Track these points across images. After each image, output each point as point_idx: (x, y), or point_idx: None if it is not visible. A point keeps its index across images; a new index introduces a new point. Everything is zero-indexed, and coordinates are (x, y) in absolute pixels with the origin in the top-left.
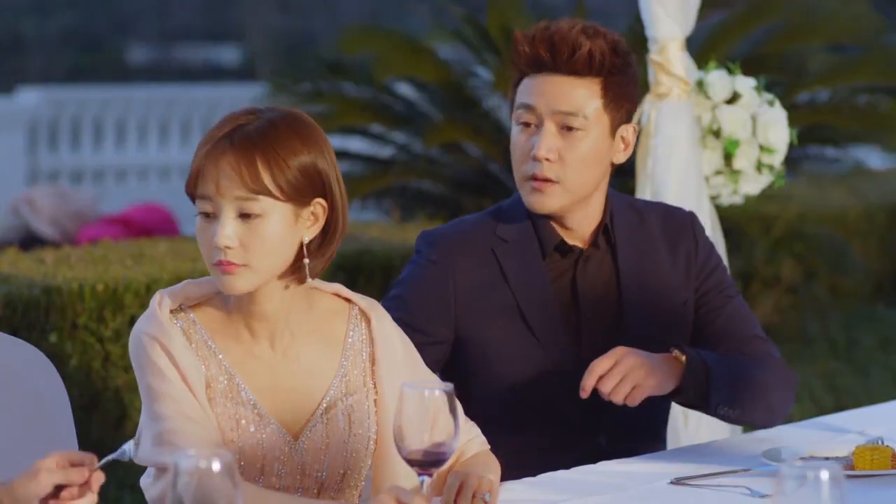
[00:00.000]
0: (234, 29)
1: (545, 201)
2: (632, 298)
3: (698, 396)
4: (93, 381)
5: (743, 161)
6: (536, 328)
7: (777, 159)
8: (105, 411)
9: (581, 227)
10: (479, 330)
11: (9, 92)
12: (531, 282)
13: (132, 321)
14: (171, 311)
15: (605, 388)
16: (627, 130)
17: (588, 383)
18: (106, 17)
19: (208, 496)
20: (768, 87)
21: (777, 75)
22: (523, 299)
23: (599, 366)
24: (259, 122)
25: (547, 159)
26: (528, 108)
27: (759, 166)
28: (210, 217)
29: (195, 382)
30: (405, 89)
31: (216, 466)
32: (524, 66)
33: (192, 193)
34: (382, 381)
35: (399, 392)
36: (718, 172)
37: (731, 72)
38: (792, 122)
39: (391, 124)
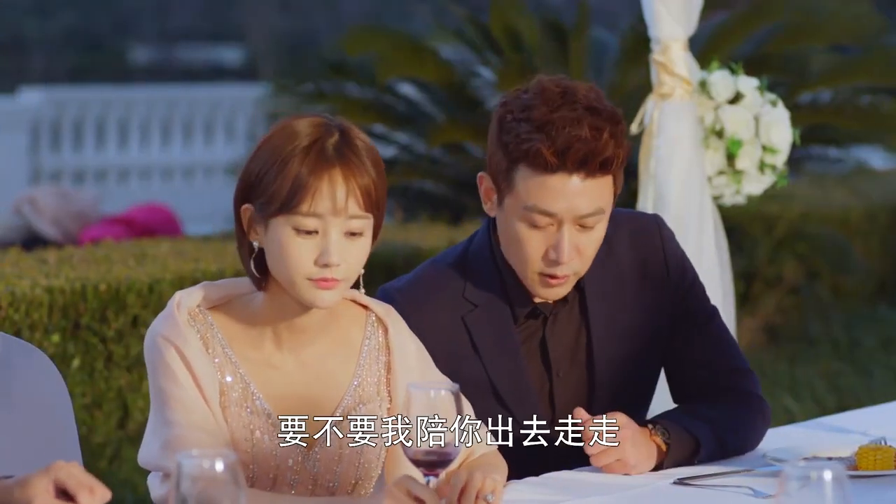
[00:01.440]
0: (236, 29)
1: (560, 292)
2: (601, 344)
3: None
4: (95, 381)
5: (745, 161)
6: (510, 402)
7: (780, 159)
8: (108, 412)
9: None
10: None
11: (11, 92)
12: (503, 353)
13: (135, 321)
14: (189, 314)
15: (588, 451)
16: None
17: (580, 426)
18: (107, 18)
19: (212, 497)
20: (770, 88)
21: (779, 75)
22: (495, 373)
23: (592, 429)
24: (345, 138)
25: (570, 261)
26: (547, 214)
27: (762, 166)
28: (309, 234)
29: (209, 389)
30: (407, 89)
31: (219, 467)
32: (539, 167)
33: (291, 209)
34: (397, 389)
35: (405, 393)
36: (721, 172)
37: (733, 72)
38: (794, 122)
39: (393, 124)
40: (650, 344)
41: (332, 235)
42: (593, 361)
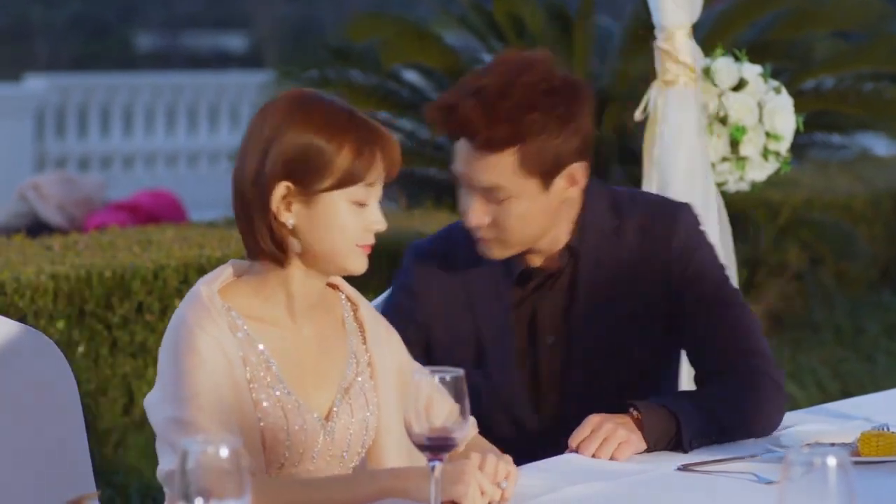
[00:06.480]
0: (241, 16)
1: (493, 252)
2: (584, 320)
3: (671, 445)
4: (100, 367)
5: (749, 148)
6: (493, 359)
7: (783, 146)
8: (113, 398)
9: (550, 248)
10: (440, 356)
11: (16, 79)
12: (496, 316)
13: (140, 308)
14: (210, 300)
15: (587, 453)
16: (574, 170)
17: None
18: (113, 5)
19: (216, 483)
20: (774, 75)
21: (783, 62)
22: (487, 336)
23: (576, 438)
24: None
25: (479, 226)
26: (455, 174)
27: (766, 153)
28: (359, 204)
29: (240, 377)
30: (412, 76)
31: (224, 453)
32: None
33: (353, 183)
34: (376, 363)
35: (411, 378)
36: (725, 159)
37: (737, 59)
38: (798, 108)
39: (398, 111)
40: (637, 333)
41: (375, 202)
42: (572, 335)
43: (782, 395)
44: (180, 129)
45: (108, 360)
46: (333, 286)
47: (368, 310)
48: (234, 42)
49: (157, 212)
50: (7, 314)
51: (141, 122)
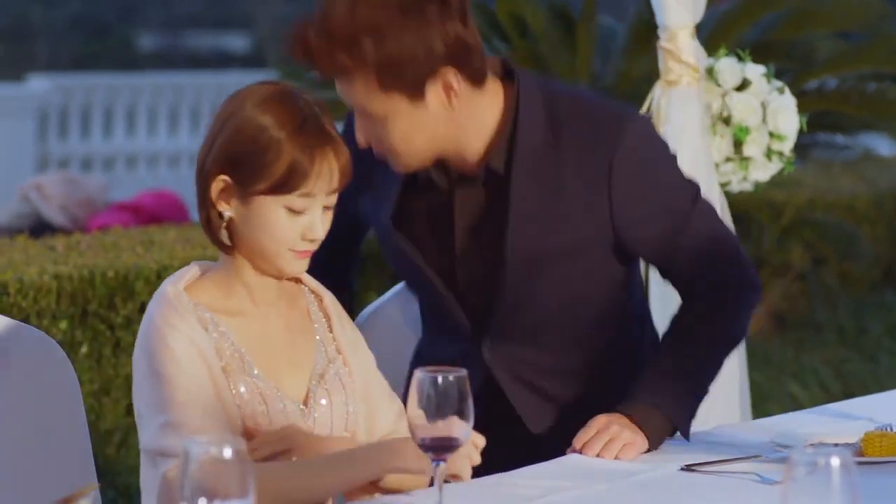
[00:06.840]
0: (242, 16)
1: (397, 166)
2: (516, 231)
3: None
4: (103, 368)
5: (753, 148)
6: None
7: (787, 146)
8: (115, 398)
9: (459, 156)
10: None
11: (18, 79)
12: (385, 214)
13: (143, 308)
14: (178, 298)
15: (591, 453)
16: (446, 76)
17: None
18: (113, 5)
19: (220, 483)
20: (776, 75)
21: (785, 62)
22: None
23: (580, 439)
24: (318, 111)
25: (369, 146)
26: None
27: (769, 153)
28: (295, 211)
29: (215, 369)
30: None
31: (227, 453)
32: None
33: (287, 191)
34: (345, 351)
35: (413, 378)
36: (728, 159)
37: (740, 59)
38: (801, 109)
39: None
40: (589, 247)
41: (317, 211)
42: (504, 246)
43: (759, 298)
44: (183, 129)
45: (110, 361)
46: (296, 280)
47: (333, 301)
48: (236, 42)
49: (159, 212)
50: (10, 314)
51: (143, 122)
